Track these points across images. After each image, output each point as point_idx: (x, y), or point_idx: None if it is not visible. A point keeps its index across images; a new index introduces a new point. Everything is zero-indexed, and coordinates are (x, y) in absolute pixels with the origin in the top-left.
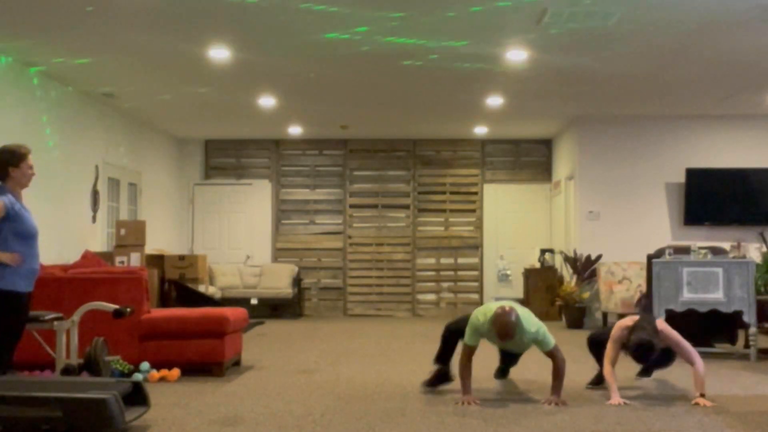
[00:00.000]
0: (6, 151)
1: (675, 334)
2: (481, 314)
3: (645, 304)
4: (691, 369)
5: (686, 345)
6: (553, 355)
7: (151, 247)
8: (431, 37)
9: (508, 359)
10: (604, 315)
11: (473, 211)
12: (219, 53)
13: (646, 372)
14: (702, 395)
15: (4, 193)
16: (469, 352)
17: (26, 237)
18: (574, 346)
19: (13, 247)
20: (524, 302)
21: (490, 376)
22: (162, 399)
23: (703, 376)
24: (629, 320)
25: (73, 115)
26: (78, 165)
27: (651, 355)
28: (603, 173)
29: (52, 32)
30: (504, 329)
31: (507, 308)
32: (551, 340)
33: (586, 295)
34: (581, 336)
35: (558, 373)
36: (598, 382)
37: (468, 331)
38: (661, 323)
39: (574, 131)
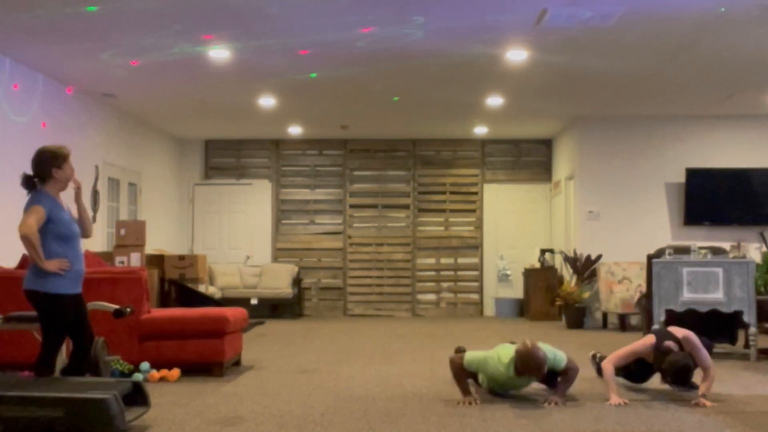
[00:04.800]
0: (49, 152)
1: (692, 337)
2: (496, 354)
3: (645, 304)
4: (703, 372)
5: (703, 349)
6: (566, 369)
7: (151, 247)
8: (431, 36)
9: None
10: (604, 315)
11: (473, 211)
12: (219, 53)
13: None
14: (703, 395)
15: (44, 198)
16: (460, 363)
17: (67, 239)
18: (574, 346)
19: (54, 250)
20: (524, 302)
21: None
22: (162, 399)
23: (712, 380)
24: (650, 339)
25: (73, 115)
26: (78, 165)
27: (690, 375)
28: (603, 173)
29: (52, 32)
30: (532, 364)
31: (530, 343)
32: (562, 357)
33: (586, 295)
34: (581, 336)
35: (568, 376)
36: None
37: (475, 356)
38: (675, 329)
39: (574, 131)
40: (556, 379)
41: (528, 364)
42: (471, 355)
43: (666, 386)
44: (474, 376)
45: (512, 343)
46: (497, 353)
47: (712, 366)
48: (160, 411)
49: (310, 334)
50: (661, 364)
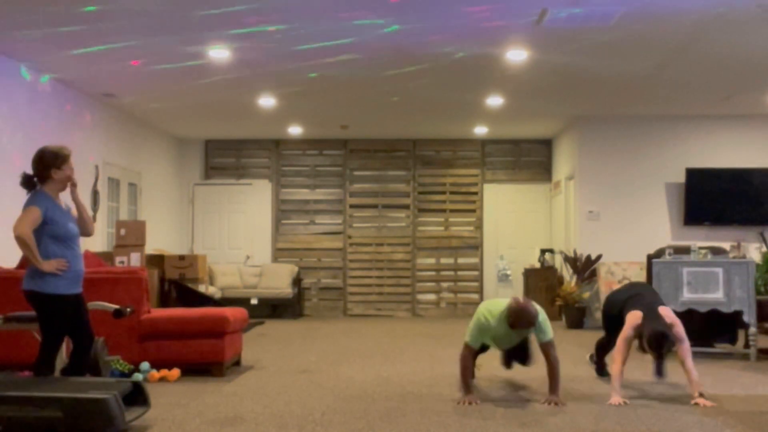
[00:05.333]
0: (49, 153)
1: (682, 331)
2: (487, 312)
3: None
4: (683, 367)
5: (687, 344)
6: (547, 350)
7: (151, 247)
8: (431, 36)
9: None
10: None
11: (473, 211)
12: (219, 53)
13: (659, 373)
14: (701, 395)
15: (41, 198)
16: (470, 353)
17: (65, 239)
18: (574, 346)
19: (52, 250)
20: None
21: (489, 377)
22: (162, 399)
23: (696, 374)
24: (636, 318)
25: (73, 115)
26: (78, 165)
27: (666, 343)
28: (603, 173)
29: (52, 32)
30: (524, 319)
31: (521, 299)
32: (550, 331)
33: (586, 295)
34: (581, 336)
35: (553, 372)
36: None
37: (472, 331)
38: (666, 312)
39: (574, 131)
40: (527, 354)
41: (521, 317)
42: (468, 333)
43: (664, 386)
44: (479, 352)
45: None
46: (485, 311)
47: (691, 360)
48: (160, 411)
49: (310, 334)
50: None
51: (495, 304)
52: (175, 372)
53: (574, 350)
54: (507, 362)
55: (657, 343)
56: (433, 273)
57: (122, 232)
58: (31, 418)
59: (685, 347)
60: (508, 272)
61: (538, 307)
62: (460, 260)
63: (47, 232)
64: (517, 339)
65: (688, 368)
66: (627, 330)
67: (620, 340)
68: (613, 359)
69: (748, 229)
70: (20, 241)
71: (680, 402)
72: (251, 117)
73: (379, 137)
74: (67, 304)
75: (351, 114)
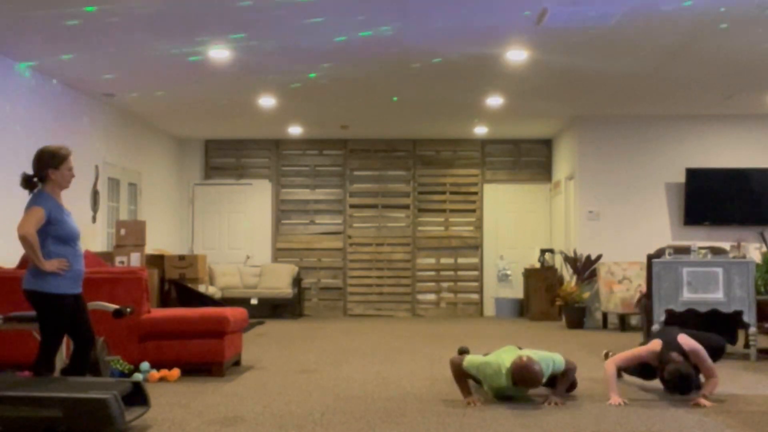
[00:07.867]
0: (46, 152)
1: (700, 351)
2: (495, 364)
3: (645, 303)
4: (708, 380)
5: (708, 360)
6: (566, 370)
7: (151, 247)
8: (431, 36)
9: None
10: (604, 315)
11: (473, 211)
12: (219, 53)
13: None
14: (704, 396)
15: (43, 199)
16: (461, 368)
17: (67, 240)
18: (574, 346)
19: (54, 250)
20: (524, 302)
21: None
22: (162, 399)
23: (716, 386)
24: (655, 345)
25: (73, 115)
26: (78, 165)
27: (691, 384)
28: (603, 173)
29: (52, 32)
30: (529, 379)
31: (525, 358)
32: (561, 361)
33: (586, 295)
34: (581, 336)
35: (566, 376)
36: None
37: (476, 363)
38: (684, 340)
39: (574, 131)
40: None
41: (524, 379)
42: (471, 359)
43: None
44: (474, 377)
45: (519, 348)
46: (498, 360)
47: (717, 375)
48: (160, 411)
49: (310, 334)
50: (663, 372)
51: (510, 353)
52: (175, 372)
53: (574, 350)
54: None
55: (683, 386)
56: (433, 273)
57: (122, 232)
58: (31, 418)
59: (714, 382)
60: (508, 272)
61: (544, 354)
62: (460, 260)
63: (50, 233)
64: (518, 392)
65: (713, 382)
66: (643, 351)
67: (630, 354)
68: (612, 360)
69: (748, 229)
70: (24, 241)
71: (680, 402)
72: (251, 117)
73: (379, 137)
74: (67, 304)
75: (351, 114)
